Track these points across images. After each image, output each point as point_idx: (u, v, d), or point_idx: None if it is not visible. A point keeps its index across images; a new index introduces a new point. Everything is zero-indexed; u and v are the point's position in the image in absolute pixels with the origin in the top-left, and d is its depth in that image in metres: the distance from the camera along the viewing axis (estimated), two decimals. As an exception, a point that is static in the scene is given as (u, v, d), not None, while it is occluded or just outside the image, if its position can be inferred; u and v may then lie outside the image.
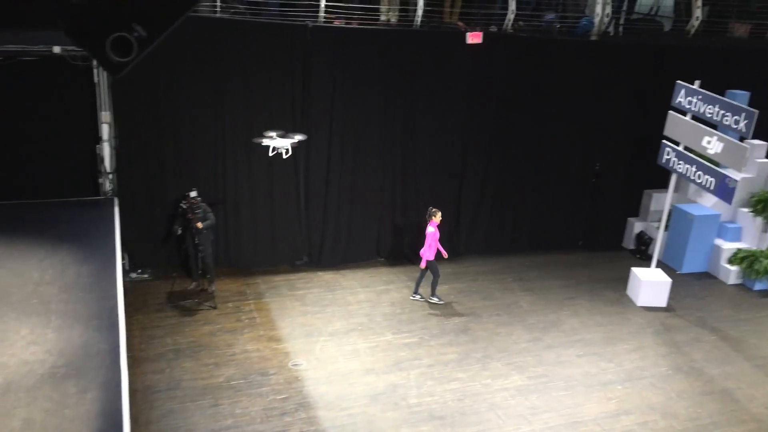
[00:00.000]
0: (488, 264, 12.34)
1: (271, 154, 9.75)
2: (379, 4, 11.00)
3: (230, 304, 10.45)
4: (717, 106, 9.97)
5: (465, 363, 9.34)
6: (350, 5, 10.73)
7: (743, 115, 9.51)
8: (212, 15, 10.30)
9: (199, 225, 9.92)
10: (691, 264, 12.43)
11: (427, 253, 10.53)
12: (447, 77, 11.47)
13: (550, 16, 11.86)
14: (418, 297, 10.88)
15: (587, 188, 13.03)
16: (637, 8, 12.97)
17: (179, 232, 10.20)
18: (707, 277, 12.38)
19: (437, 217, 10.45)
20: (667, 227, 12.14)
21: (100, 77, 10.09)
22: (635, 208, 13.44)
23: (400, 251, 12.21)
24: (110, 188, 10.52)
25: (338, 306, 10.63)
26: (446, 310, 10.68)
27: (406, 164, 11.84)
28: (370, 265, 12.02)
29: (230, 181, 11.09)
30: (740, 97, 11.90)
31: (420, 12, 10.92)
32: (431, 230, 10.43)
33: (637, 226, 13.26)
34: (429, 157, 11.89)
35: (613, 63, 12.14)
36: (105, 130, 10.28)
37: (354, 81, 11.05)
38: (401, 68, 11.22)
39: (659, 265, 11.70)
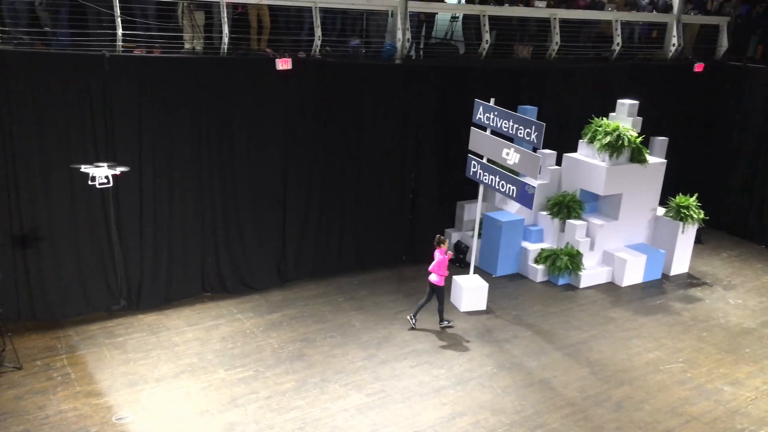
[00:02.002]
0: (318, 287, 12.37)
1: (90, 182, 9.19)
2: (181, 33, 10.66)
3: (38, 362, 9.42)
4: (511, 120, 10.90)
5: (303, 390, 9.23)
6: (150, 34, 10.28)
7: (533, 127, 10.49)
8: (-8, 46, 9.37)
9: None
10: (504, 267, 13.40)
11: (436, 278, 10.67)
12: (261, 103, 11.37)
13: (355, 41, 12.27)
14: (414, 321, 11.02)
15: (406, 204, 13.58)
16: (434, 33, 13.83)
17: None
18: (519, 278, 13.41)
19: (445, 245, 10.66)
20: (480, 235, 13.02)
21: None
22: (451, 220, 14.25)
23: (227, 283, 11.83)
24: None
25: (164, 349, 10.01)
26: (280, 338, 10.50)
27: (226, 193, 11.51)
28: (197, 302, 11.49)
29: (26, 223, 10.05)
30: (530, 112, 13.16)
31: (226, 40, 10.75)
32: (440, 257, 10.57)
33: (454, 236, 14.03)
34: (249, 184, 11.67)
35: (417, 85, 12.82)
36: None
37: (162, 110, 10.56)
38: (213, 96, 10.92)
39: (477, 271, 12.49)
